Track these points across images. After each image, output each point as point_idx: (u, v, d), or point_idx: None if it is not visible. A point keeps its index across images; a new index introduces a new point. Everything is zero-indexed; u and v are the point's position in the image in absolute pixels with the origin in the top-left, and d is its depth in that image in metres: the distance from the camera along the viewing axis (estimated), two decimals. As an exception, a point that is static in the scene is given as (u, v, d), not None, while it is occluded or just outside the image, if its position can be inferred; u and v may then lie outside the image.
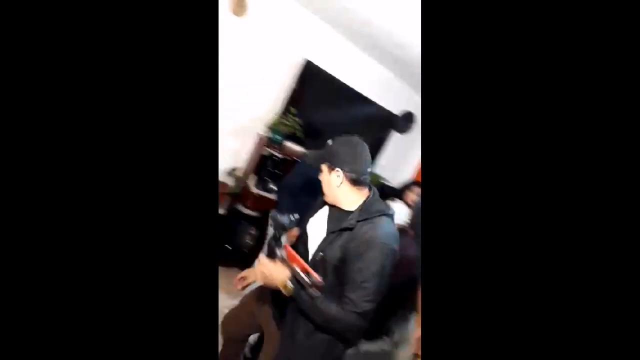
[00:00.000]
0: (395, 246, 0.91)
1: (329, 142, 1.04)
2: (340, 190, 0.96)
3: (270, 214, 1.21)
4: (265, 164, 2.31)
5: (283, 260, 0.98)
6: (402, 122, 2.97)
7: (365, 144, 0.99)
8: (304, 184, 1.70)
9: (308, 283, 0.86)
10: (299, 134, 2.37)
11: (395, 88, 2.78)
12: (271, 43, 2.26)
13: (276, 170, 2.32)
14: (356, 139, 1.00)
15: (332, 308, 0.86)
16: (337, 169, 0.95)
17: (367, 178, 0.97)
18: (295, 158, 2.35)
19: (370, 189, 1.00)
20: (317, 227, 1.03)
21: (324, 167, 0.99)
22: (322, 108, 2.51)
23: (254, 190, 2.25)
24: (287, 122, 2.29)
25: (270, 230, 1.10)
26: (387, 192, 2.19)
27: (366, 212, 0.93)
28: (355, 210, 0.95)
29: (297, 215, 1.14)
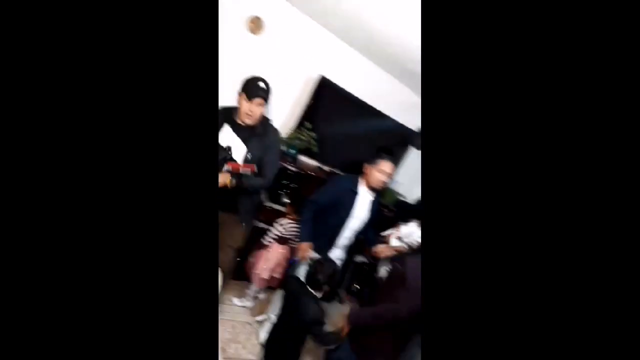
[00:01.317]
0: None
1: None
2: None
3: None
4: (279, 178, 2.31)
5: (228, 171, 1.46)
6: (420, 138, 2.92)
7: None
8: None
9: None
10: (314, 148, 2.36)
11: (411, 104, 2.75)
12: (287, 59, 2.31)
13: (290, 184, 2.31)
14: None
15: (257, 180, 1.49)
16: None
17: None
18: (309, 172, 2.34)
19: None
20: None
21: None
22: (338, 123, 2.51)
23: (267, 203, 2.25)
24: (302, 137, 2.30)
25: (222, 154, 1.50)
26: (403, 210, 2.12)
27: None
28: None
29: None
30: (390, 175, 1.66)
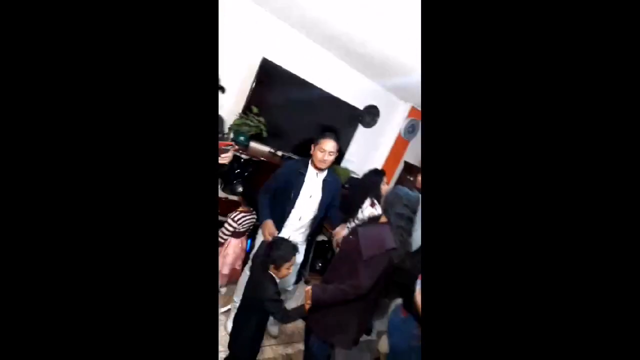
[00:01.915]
0: None
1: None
2: None
3: None
4: (232, 166, 2.25)
5: None
6: (368, 116, 3.02)
7: None
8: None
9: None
10: (264, 133, 2.32)
11: (356, 83, 2.81)
12: (226, 44, 2.20)
13: (243, 172, 2.26)
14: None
15: None
16: None
17: None
18: (262, 159, 2.31)
19: None
20: None
21: None
22: (285, 106, 2.49)
23: (221, 194, 2.18)
24: (251, 122, 2.24)
25: None
26: (356, 186, 2.20)
27: None
28: None
29: None
30: (332, 153, 1.68)
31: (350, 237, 1.37)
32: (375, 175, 2.23)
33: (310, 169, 1.76)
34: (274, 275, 1.35)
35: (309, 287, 1.30)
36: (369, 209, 2.12)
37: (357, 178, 2.70)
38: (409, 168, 3.52)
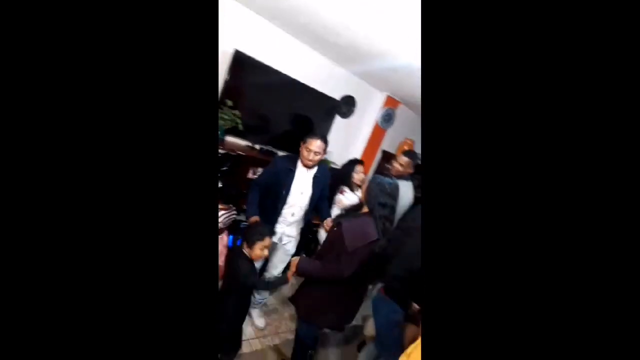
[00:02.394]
0: None
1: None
2: None
3: None
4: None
5: None
6: (344, 107, 3.04)
7: None
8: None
9: None
10: (240, 127, 2.29)
11: (330, 73, 2.81)
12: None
13: (223, 167, 2.23)
14: None
15: None
16: None
17: None
18: (239, 152, 2.28)
19: None
20: None
21: None
22: (261, 99, 2.46)
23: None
24: (225, 116, 2.20)
25: None
26: (336, 176, 2.23)
27: None
28: None
29: None
30: (318, 153, 1.71)
31: (335, 228, 1.40)
32: (349, 165, 2.27)
33: (300, 166, 1.77)
34: (247, 254, 1.41)
35: (296, 257, 1.35)
36: (339, 196, 2.16)
37: (336, 168, 2.73)
38: (387, 157, 3.58)
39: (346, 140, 3.25)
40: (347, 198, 2.15)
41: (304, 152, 1.71)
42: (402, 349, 1.58)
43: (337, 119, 3.02)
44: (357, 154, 3.24)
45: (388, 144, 3.57)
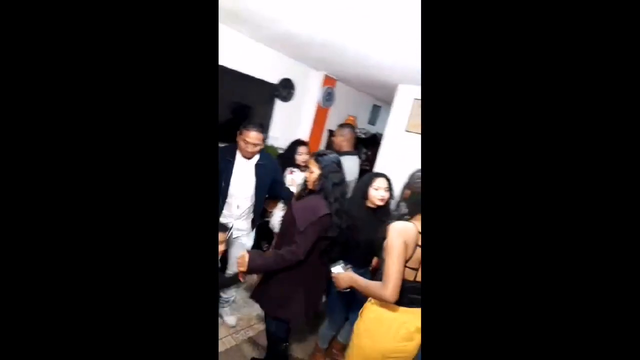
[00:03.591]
0: None
1: None
2: None
3: None
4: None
5: None
6: (283, 90, 2.98)
7: None
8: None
9: None
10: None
11: (266, 59, 2.73)
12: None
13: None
14: None
15: None
16: None
17: None
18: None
19: None
20: None
21: None
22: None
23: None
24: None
25: None
26: (283, 161, 2.22)
27: None
28: None
29: None
30: (256, 145, 1.65)
31: (288, 209, 1.39)
32: (292, 146, 2.28)
33: (239, 156, 1.71)
34: None
35: (243, 252, 1.27)
36: (289, 177, 2.17)
37: (282, 154, 2.71)
38: (333, 135, 3.63)
39: (290, 124, 3.22)
40: (299, 177, 2.16)
41: (242, 144, 1.66)
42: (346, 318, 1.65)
43: (278, 104, 2.97)
44: (303, 136, 3.23)
45: (334, 123, 3.61)
